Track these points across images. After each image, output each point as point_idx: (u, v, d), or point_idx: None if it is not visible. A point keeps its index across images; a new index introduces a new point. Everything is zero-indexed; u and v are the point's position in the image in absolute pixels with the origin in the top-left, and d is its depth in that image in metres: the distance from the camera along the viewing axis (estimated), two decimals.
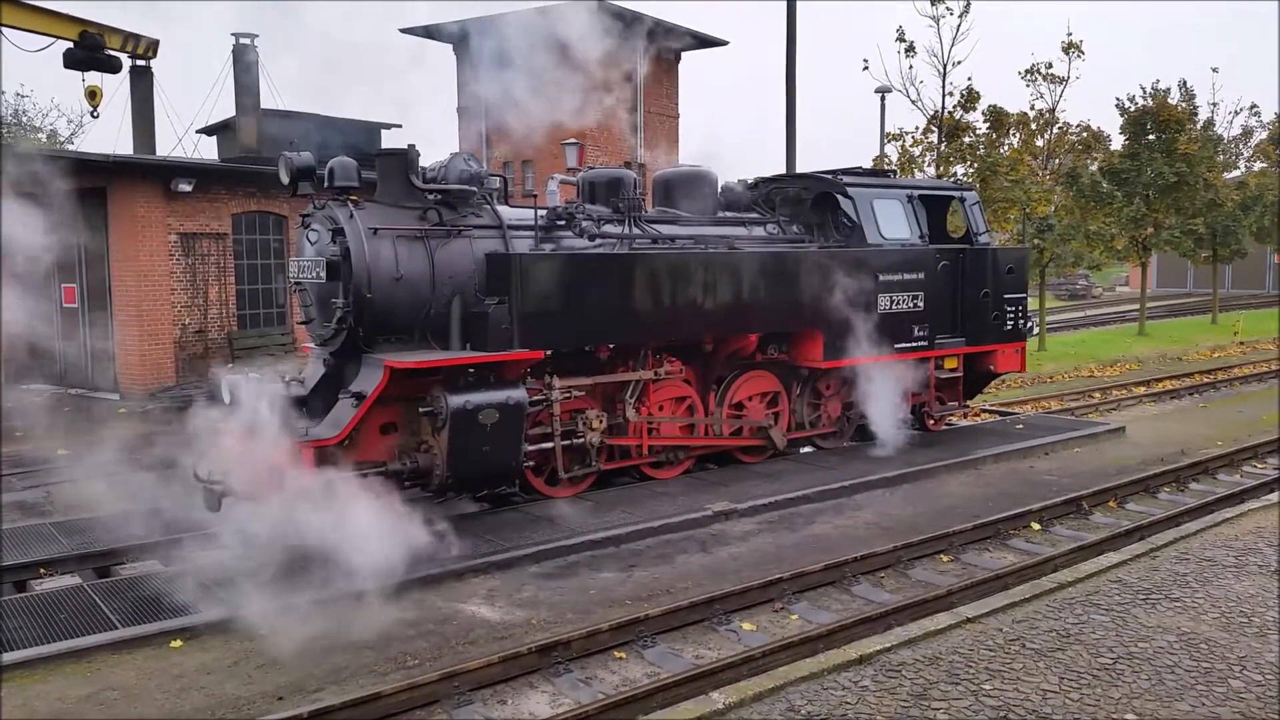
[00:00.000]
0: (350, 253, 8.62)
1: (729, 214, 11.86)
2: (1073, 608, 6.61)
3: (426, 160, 9.58)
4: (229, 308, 18.02)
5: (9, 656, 6.15)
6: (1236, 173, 38.05)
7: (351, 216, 8.74)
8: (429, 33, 29.65)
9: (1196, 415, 16.19)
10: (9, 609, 7.02)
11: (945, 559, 8.54)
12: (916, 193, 12.80)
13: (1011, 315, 13.32)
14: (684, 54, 33.44)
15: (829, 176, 12.37)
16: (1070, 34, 25.31)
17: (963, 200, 13.48)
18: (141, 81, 20.30)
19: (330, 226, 8.80)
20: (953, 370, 12.99)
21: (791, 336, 11.47)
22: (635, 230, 10.54)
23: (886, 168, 21.66)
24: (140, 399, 16.51)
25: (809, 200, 12.25)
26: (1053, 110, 25.70)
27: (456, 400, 8.48)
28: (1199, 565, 7.48)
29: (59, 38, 17.80)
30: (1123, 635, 6.13)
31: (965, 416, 14.90)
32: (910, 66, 29.50)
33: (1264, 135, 37.63)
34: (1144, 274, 31.46)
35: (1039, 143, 26.22)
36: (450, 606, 7.23)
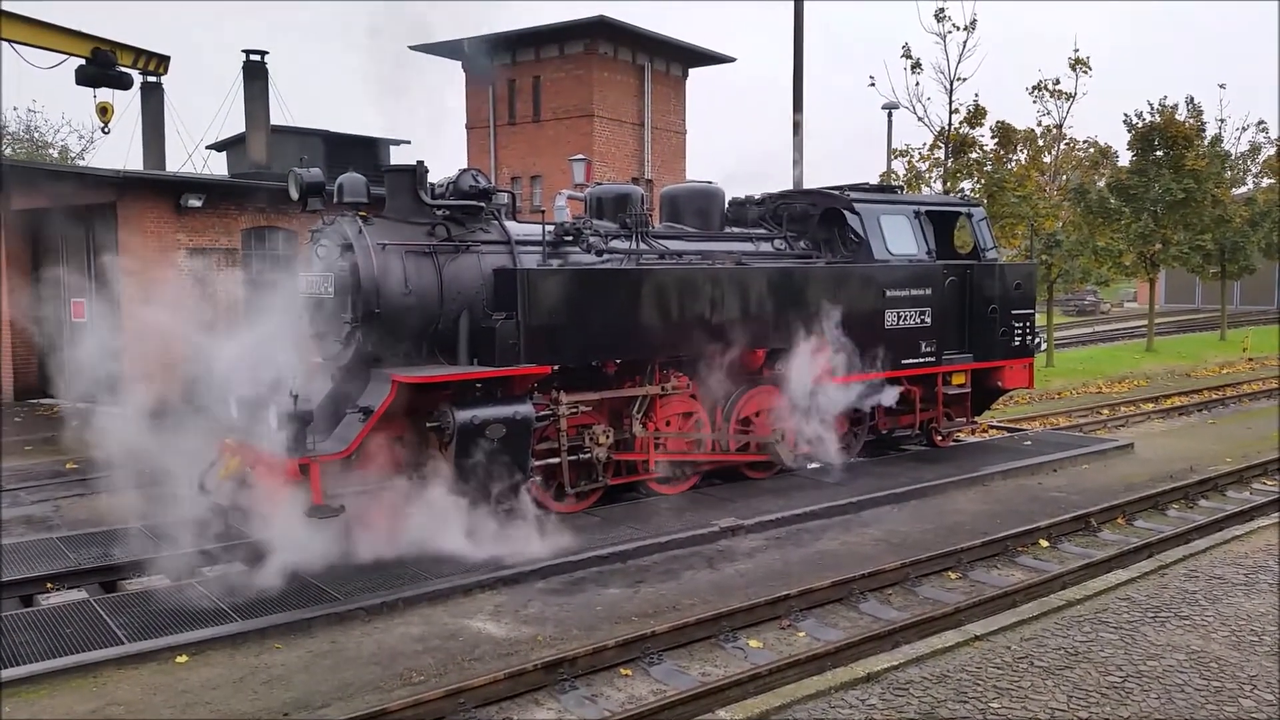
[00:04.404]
0: (359, 268, 8.66)
1: (736, 229, 11.89)
2: (1081, 625, 6.57)
3: (435, 176, 9.64)
4: None
5: (15, 671, 6.16)
6: (1244, 189, 38.01)
7: (360, 232, 8.78)
8: (438, 50, 29.84)
9: (1205, 432, 16.12)
10: (15, 624, 7.03)
11: (953, 576, 8.50)
12: (923, 208, 12.82)
13: (1019, 331, 13.30)
14: (691, 70, 33.60)
15: (836, 192, 12.39)
16: (1077, 50, 25.37)
17: (970, 216, 13.48)
18: (152, 98, 20.46)
19: (339, 242, 8.84)
20: (961, 386, 12.97)
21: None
22: (642, 246, 10.57)
23: (893, 183, 21.68)
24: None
25: (816, 216, 12.26)
26: (1060, 126, 25.73)
27: (463, 415, 8.50)
28: (1208, 583, 7.43)
29: (71, 54, 17.96)
30: (1132, 653, 6.09)
31: (973, 433, 14.86)
32: (917, 83, 29.62)
33: (1271, 151, 37.59)
34: (1152, 290, 31.36)
35: (1046, 158, 26.22)
36: (456, 622, 7.21)
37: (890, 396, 11.99)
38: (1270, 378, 22.68)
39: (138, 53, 19.28)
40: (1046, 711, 5.31)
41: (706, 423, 10.91)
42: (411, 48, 26.96)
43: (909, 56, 22.48)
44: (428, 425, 8.66)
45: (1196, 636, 6.37)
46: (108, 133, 19.42)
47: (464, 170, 9.67)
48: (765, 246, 11.75)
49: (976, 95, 25.27)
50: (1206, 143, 29.98)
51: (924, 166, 23.94)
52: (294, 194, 8.96)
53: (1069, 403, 19.80)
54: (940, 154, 23.51)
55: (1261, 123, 42.78)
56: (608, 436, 9.96)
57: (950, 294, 12.59)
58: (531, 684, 6.12)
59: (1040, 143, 25.96)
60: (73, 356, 18.15)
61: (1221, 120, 38.87)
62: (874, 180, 19.61)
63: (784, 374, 11.04)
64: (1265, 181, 37.84)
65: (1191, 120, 29.13)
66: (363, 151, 22.30)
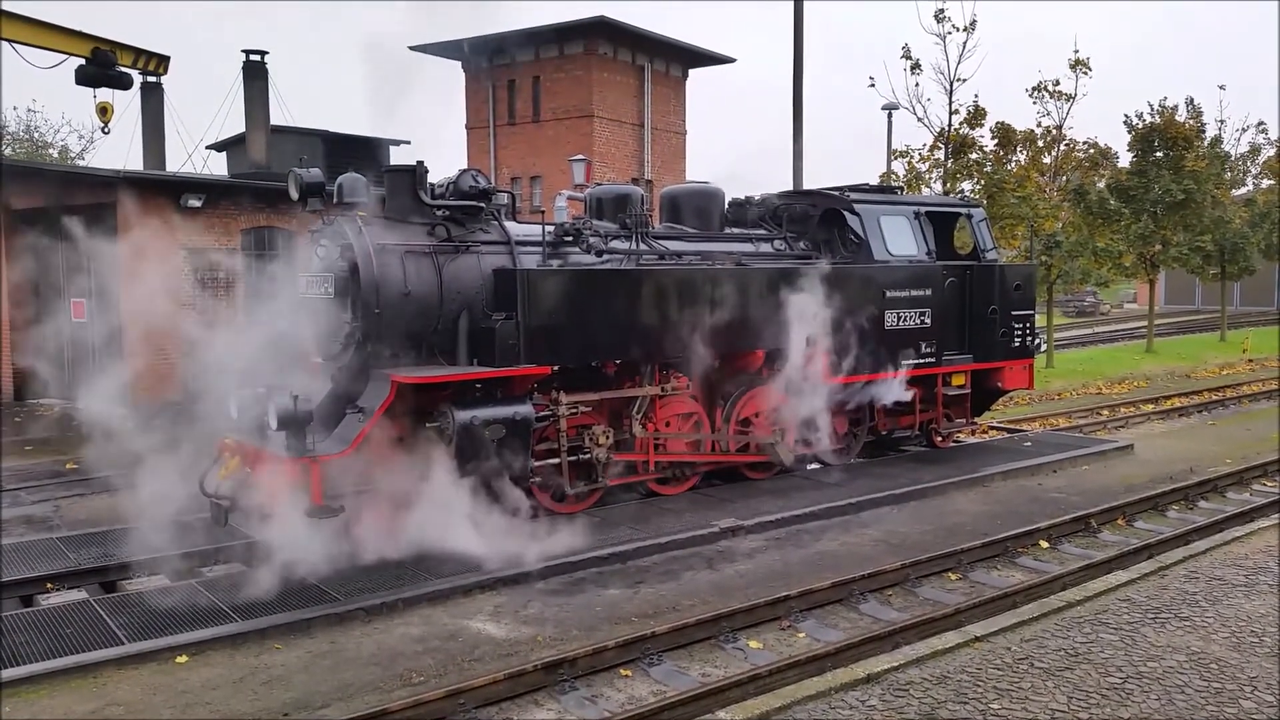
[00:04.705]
0: (358, 268, 8.66)
1: (736, 230, 11.89)
2: (1081, 626, 6.57)
3: (435, 176, 9.64)
4: None
5: (15, 672, 6.15)
6: (1244, 190, 38.02)
7: (360, 232, 8.77)
8: (438, 49, 29.86)
9: (1205, 433, 16.12)
10: (15, 624, 7.03)
11: (953, 577, 8.50)
12: (923, 209, 12.81)
13: (1019, 332, 13.30)
14: (691, 70, 33.59)
15: (836, 193, 12.39)
16: (1077, 50, 25.37)
17: (970, 216, 13.48)
18: (152, 98, 20.44)
19: (339, 242, 8.84)
20: (960, 387, 12.97)
21: None
22: (642, 246, 10.57)
23: (893, 184, 21.69)
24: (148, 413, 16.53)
25: (816, 217, 12.26)
26: (1060, 127, 25.73)
27: (463, 415, 8.49)
28: (1208, 584, 7.43)
29: (71, 54, 17.94)
30: (1132, 655, 6.09)
31: (973, 434, 14.86)
32: (916, 84, 29.61)
33: (1271, 152, 37.59)
34: (1152, 291, 31.36)
35: (1046, 159, 26.22)
36: (456, 623, 7.21)
37: (890, 396, 11.98)
38: (1270, 379, 22.68)
39: (137, 53, 19.26)
40: (1047, 712, 5.31)
41: (706, 423, 10.91)
42: (411, 48, 26.97)
43: (909, 57, 22.51)
44: (428, 425, 8.66)
45: (1197, 638, 6.37)
46: (107, 133, 19.40)
47: (464, 170, 9.67)
48: (765, 247, 11.75)
49: (976, 96, 25.31)
50: (1206, 144, 29.99)
51: (924, 167, 23.94)
52: (294, 194, 8.96)
53: (1069, 404, 19.80)
54: (940, 155, 23.51)
55: (1261, 124, 42.81)
56: (607, 437, 9.95)
57: (950, 295, 12.59)
58: (531, 684, 6.12)
59: (1040, 144, 25.93)
60: (72, 356, 18.15)
61: (1221, 121, 38.82)
62: (874, 181, 19.61)
63: (783, 374, 11.04)
64: (1265, 183, 37.84)
65: (1191, 121, 29.13)
66: (362, 151, 22.27)
